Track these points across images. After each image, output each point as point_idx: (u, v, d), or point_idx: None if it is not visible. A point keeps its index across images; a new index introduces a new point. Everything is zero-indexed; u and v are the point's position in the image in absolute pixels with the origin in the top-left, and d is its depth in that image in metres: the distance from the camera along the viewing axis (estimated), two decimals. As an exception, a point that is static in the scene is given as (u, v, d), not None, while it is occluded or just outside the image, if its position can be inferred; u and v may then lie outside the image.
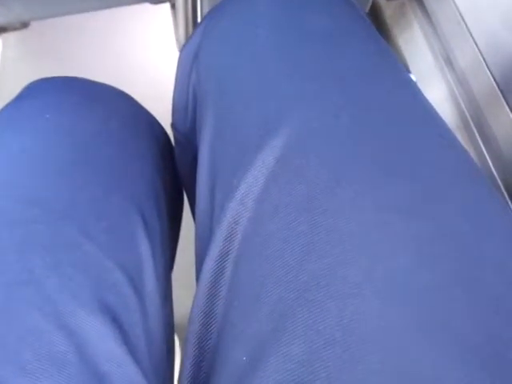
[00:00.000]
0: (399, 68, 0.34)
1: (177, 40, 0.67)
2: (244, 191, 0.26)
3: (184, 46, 0.40)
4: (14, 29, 0.82)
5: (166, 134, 0.46)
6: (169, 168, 0.44)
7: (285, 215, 0.24)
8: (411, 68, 0.68)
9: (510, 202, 0.55)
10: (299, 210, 0.24)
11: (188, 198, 0.48)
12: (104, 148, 0.37)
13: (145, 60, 0.96)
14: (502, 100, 0.54)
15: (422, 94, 0.33)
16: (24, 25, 0.82)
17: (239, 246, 0.26)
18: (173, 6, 0.68)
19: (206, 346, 0.26)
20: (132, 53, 0.98)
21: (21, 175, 0.33)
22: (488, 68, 0.57)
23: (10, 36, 0.71)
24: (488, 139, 0.58)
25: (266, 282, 0.23)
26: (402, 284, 0.20)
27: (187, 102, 0.39)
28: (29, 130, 0.36)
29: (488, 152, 0.58)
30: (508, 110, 0.54)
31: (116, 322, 0.28)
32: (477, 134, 0.59)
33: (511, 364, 0.18)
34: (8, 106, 0.40)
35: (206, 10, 0.60)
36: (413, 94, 0.31)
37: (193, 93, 0.38)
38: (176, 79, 0.41)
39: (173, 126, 0.44)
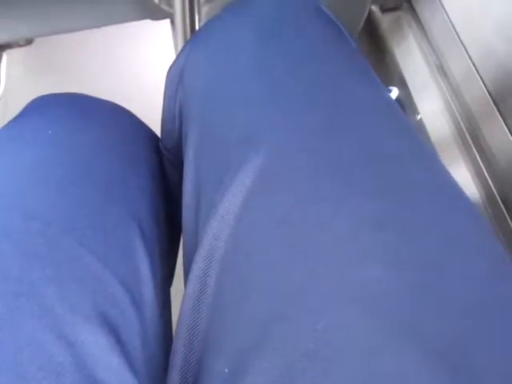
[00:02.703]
0: (376, 84, 0.35)
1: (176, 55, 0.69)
2: (225, 208, 0.27)
3: (170, 66, 0.41)
4: (19, 45, 0.85)
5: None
6: (167, 180, 0.44)
7: (263, 231, 0.25)
8: (407, 78, 0.69)
9: (504, 210, 0.55)
10: (277, 226, 0.25)
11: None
12: (103, 161, 0.38)
13: (146, 75, 0.97)
14: (495, 109, 0.55)
15: (398, 108, 0.34)
16: (28, 41, 0.84)
17: (221, 262, 0.27)
18: (172, 23, 0.70)
19: (191, 358, 0.27)
20: (133, 68, 1.00)
21: (22, 189, 0.34)
22: (481, 78, 0.58)
23: (14, 52, 0.73)
24: (482, 148, 0.58)
25: (247, 297, 0.24)
26: (372, 293, 0.21)
27: (174, 120, 0.41)
28: (31, 145, 0.37)
29: (483, 161, 0.58)
30: (501, 119, 0.55)
31: (114, 332, 0.29)
32: (471, 144, 0.60)
33: (477, 369, 0.19)
34: (12, 121, 0.41)
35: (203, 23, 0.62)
36: (388, 105, 0.32)
37: (179, 111, 0.40)
38: (164, 98, 0.43)
39: (161, 143, 0.45)
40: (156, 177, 0.42)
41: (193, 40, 0.41)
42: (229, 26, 0.38)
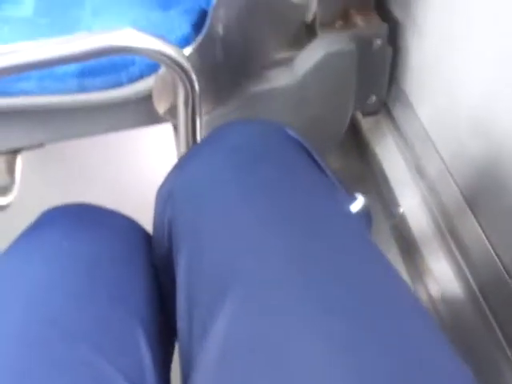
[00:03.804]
0: (345, 216, 0.41)
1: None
2: (214, 332, 0.32)
3: (160, 186, 0.47)
4: (29, 149, 0.91)
5: None
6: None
7: (247, 352, 0.30)
8: (388, 175, 0.76)
9: (484, 304, 0.60)
10: (258, 349, 0.30)
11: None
12: (109, 268, 0.43)
13: (148, 176, 1.05)
14: (467, 207, 0.61)
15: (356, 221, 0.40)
16: (40, 145, 0.91)
17: (213, 376, 0.31)
18: (175, 128, 0.77)
19: None
20: (134, 173, 1.08)
21: (40, 298, 0.38)
22: (452, 177, 0.64)
23: (26, 156, 0.79)
24: (459, 242, 0.64)
25: None
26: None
27: (163, 233, 0.46)
28: (49, 258, 0.42)
29: (460, 254, 0.64)
30: (472, 216, 0.61)
31: None
32: (449, 238, 0.65)
33: None
34: (27, 233, 0.46)
35: (204, 133, 0.69)
36: (357, 234, 0.38)
37: (168, 225, 0.45)
38: (154, 212, 0.48)
39: (153, 251, 0.51)
40: (153, 277, 0.48)
41: (179, 165, 0.48)
42: (209, 156, 0.45)
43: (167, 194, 0.46)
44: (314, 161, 0.46)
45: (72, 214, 0.49)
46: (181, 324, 0.38)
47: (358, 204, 0.48)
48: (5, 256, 0.43)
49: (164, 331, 0.45)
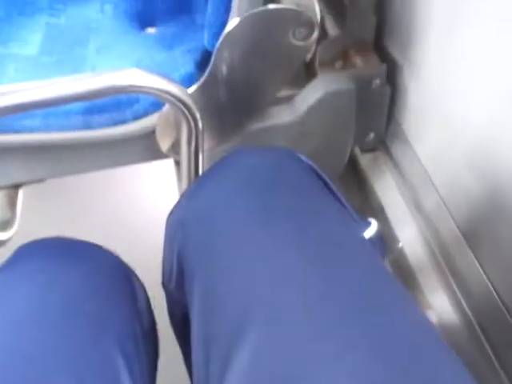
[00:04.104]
0: (361, 242, 0.41)
1: (180, 194, 0.76)
2: (235, 369, 0.32)
3: (169, 214, 0.47)
4: (30, 183, 0.92)
5: (142, 285, 0.52)
6: (146, 314, 0.50)
7: None
8: (387, 210, 0.77)
9: (482, 335, 0.61)
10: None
11: (180, 346, 0.54)
12: (89, 300, 0.43)
13: (149, 211, 1.06)
14: (464, 241, 0.63)
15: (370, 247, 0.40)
16: (41, 179, 0.92)
17: None
18: (177, 163, 0.78)
19: None
20: (137, 204, 1.09)
21: (20, 333, 0.38)
22: (449, 211, 0.65)
23: (26, 189, 0.80)
24: (456, 275, 0.65)
25: None
26: None
27: (172, 265, 0.46)
28: (25, 291, 0.42)
29: (458, 287, 0.65)
30: (469, 249, 0.62)
31: None
32: (447, 271, 0.66)
33: None
34: (4, 267, 0.46)
35: (206, 168, 0.70)
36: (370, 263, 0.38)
37: (177, 258, 0.45)
38: (164, 241, 0.48)
39: (163, 284, 0.51)
40: (135, 310, 0.48)
41: (190, 193, 0.47)
42: (221, 183, 0.44)
43: (177, 223, 0.45)
44: (326, 185, 0.46)
45: (51, 247, 0.49)
46: (196, 358, 0.38)
47: (372, 229, 0.48)
48: None
49: (147, 363, 0.45)
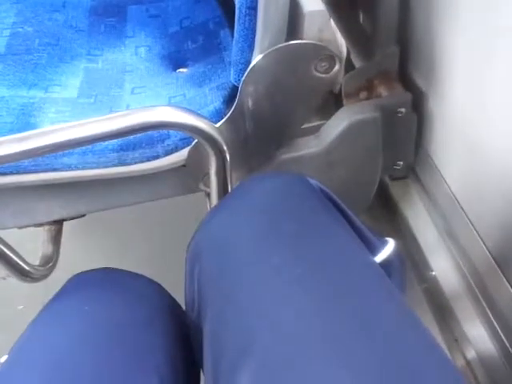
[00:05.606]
0: (356, 255, 0.41)
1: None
2: None
3: (189, 243, 0.49)
4: (71, 218, 0.96)
5: (184, 313, 0.53)
6: (186, 343, 0.51)
7: None
8: (419, 239, 0.76)
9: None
10: None
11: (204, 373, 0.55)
12: (129, 331, 0.45)
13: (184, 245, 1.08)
14: (498, 269, 0.61)
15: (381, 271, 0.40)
16: (81, 214, 0.95)
17: None
18: (208, 196, 0.80)
19: None
20: (171, 240, 1.11)
21: (58, 366, 0.40)
22: (482, 240, 0.64)
23: (67, 224, 0.83)
24: (492, 304, 0.63)
25: None
26: None
27: (193, 295, 0.47)
28: (68, 324, 0.44)
29: (494, 316, 0.63)
30: (504, 279, 0.60)
31: None
32: (482, 300, 0.65)
33: None
34: (52, 300, 0.49)
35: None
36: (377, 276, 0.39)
37: (197, 286, 0.46)
38: (185, 275, 0.50)
39: (186, 313, 0.52)
40: (176, 339, 0.49)
41: (205, 221, 0.49)
42: (233, 212, 0.47)
43: (194, 252, 0.47)
44: (338, 208, 0.47)
45: (96, 278, 0.51)
46: (207, 380, 0.39)
47: (388, 248, 0.48)
48: (32, 324, 0.46)
49: None
